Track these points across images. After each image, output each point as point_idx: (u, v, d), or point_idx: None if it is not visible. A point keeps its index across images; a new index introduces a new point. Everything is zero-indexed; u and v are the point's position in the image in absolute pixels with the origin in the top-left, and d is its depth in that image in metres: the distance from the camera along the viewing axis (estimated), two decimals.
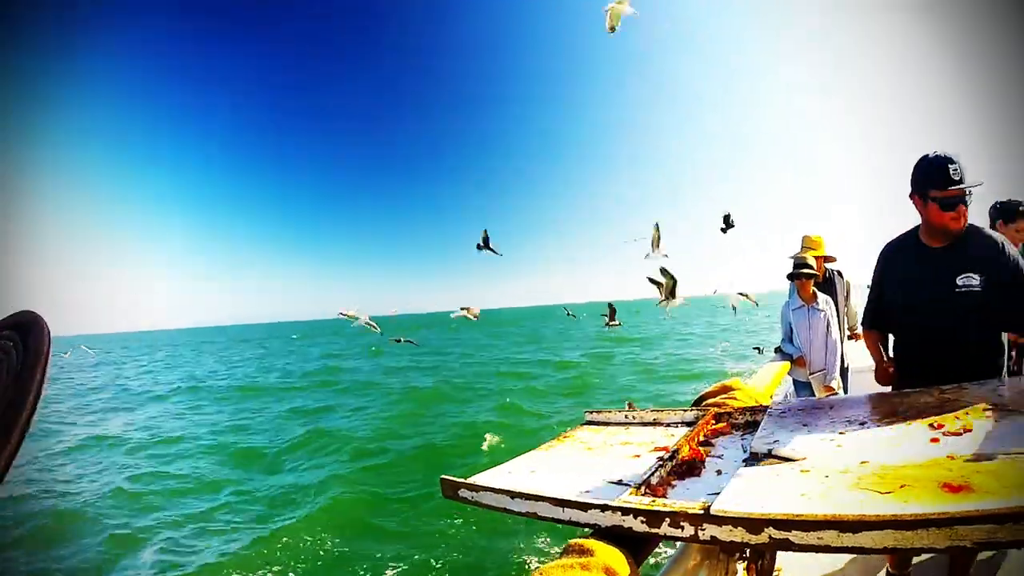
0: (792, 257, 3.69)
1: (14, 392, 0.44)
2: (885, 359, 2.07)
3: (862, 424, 1.33)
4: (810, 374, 3.39)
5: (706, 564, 1.59)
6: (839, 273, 3.92)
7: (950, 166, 1.69)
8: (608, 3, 4.82)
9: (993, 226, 2.47)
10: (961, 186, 1.69)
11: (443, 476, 1.29)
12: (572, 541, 0.92)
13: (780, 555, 2.13)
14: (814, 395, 3.33)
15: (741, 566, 1.92)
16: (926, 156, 1.78)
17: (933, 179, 1.73)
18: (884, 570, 2.14)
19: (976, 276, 1.70)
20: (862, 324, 2.20)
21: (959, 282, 1.71)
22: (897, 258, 1.93)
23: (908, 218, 1.96)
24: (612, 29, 5.06)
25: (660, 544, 1.08)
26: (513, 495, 1.16)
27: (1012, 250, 1.73)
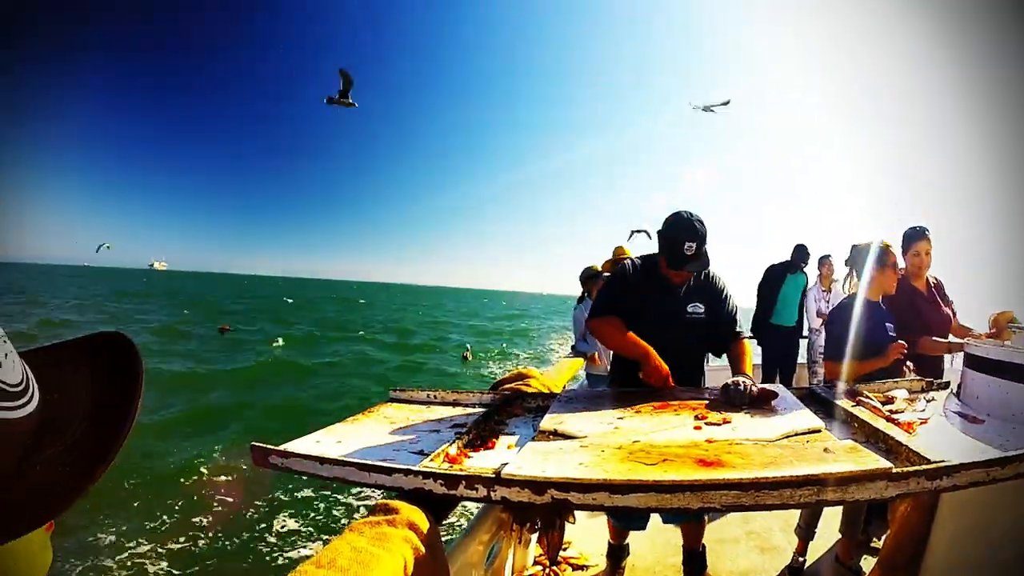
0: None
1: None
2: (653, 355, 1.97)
3: (638, 412, 1.55)
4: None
5: (500, 534, 1.70)
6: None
7: (686, 244, 1.87)
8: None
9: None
10: (683, 269, 1.90)
11: (254, 443, 1.26)
12: (379, 501, 0.99)
13: (569, 529, 2.36)
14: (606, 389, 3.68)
15: (533, 537, 2.09)
16: (678, 216, 1.92)
17: (666, 252, 1.94)
18: (681, 549, 2.25)
19: (701, 305, 2.03)
20: (594, 314, 2.07)
21: (689, 309, 2.02)
22: (641, 277, 2.06)
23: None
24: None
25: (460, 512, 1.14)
26: (322, 461, 1.18)
27: (722, 282, 2.07)
